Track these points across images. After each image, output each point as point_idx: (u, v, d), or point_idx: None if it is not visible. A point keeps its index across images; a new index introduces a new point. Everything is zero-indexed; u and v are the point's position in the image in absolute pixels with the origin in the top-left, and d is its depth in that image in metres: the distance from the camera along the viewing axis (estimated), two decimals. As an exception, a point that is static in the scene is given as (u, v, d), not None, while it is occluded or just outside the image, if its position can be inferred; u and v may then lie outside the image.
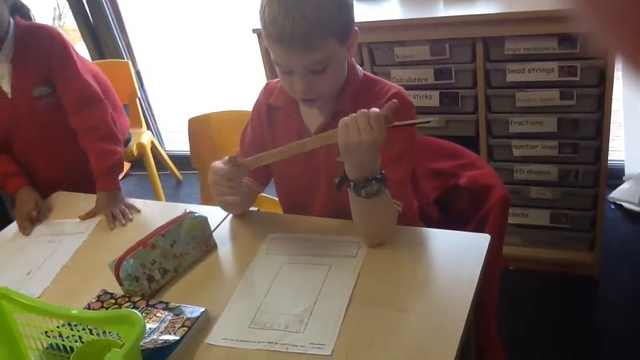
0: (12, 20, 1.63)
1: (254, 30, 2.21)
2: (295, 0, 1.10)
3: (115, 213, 1.54)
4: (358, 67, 1.31)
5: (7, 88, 1.63)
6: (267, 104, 1.36)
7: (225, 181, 1.19)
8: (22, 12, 1.70)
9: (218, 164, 1.22)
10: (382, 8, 2.16)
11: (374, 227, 1.21)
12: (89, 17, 3.24)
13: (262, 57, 2.26)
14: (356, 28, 1.22)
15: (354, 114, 1.07)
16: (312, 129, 1.30)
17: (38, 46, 1.62)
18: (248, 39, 2.29)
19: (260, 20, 1.16)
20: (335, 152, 1.14)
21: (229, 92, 4.52)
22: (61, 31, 1.69)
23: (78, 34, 3.35)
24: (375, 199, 1.13)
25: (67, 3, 3.24)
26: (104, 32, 3.25)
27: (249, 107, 1.87)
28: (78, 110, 1.65)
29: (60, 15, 5.93)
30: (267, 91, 1.39)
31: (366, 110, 1.06)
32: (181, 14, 6.24)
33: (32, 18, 1.74)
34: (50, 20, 5.88)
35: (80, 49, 3.49)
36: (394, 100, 1.09)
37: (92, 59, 3.32)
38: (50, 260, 1.44)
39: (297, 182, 1.40)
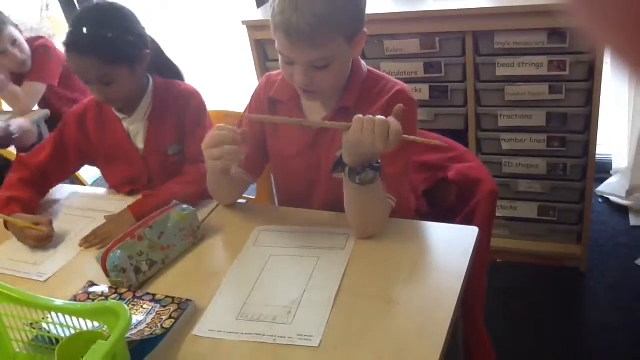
0: (150, 79, 1.56)
1: (244, 22, 2.20)
2: None
3: (102, 236, 1.40)
4: (363, 62, 1.30)
5: (140, 145, 1.57)
6: (268, 97, 1.35)
7: (222, 132, 1.16)
8: (168, 71, 1.62)
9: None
10: (373, 1, 2.15)
11: (366, 218, 1.21)
12: (76, 8, 3.20)
13: (252, 49, 2.25)
14: (365, 29, 1.20)
15: (372, 117, 1.05)
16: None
17: (175, 104, 1.55)
18: (238, 31, 2.28)
19: (270, 6, 1.15)
20: (336, 147, 1.14)
21: (219, 88, 4.50)
22: (198, 90, 1.60)
23: (65, 24, 3.31)
24: (369, 188, 1.13)
25: (54, -7, 3.19)
26: (92, 23, 3.22)
27: (235, 108, 1.86)
28: (193, 162, 1.53)
29: (47, 5, 5.87)
30: (268, 84, 1.37)
31: (384, 118, 1.04)
32: (171, 5, 6.20)
33: (181, 76, 1.65)
34: (37, 10, 5.81)
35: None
36: (402, 106, 1.08)
37: (80, 50, 3.29)
38: (76, 235, 1.44)
39: (296, 177, 1.39)
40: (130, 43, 1.43)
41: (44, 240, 1.41)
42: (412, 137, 1.10)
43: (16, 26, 2.45)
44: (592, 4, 0.30)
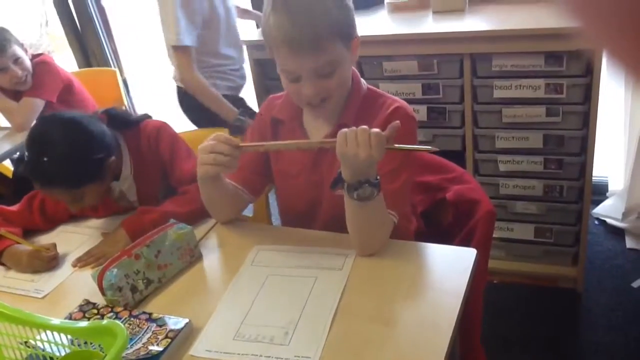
0: (121, 144, 1.51)
1: (244, 42, 2.21)
2: (301, 8, 1.11)
3: (97, 255, 1.40)
4: (362, 80, 1.32)
5: (133, 198, 1.58)
6: (271, 117, 1.36)
7: (213, 139, 1.18)
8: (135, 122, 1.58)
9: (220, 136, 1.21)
10: (372, 23, 2.18)
11: (366, 234, 1.21)
12: (76, 25, 3.23)
13: (252, 68, 2.26)
14: (357, 33, 1.23)
15: (355, 128, 1.08)
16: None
17: (149, 149, 1.55)
18: (237, 50, 2.30)
19: (264, 30, 1.18)
20: (338, 166, 1.15)
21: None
22: (164, 122, 1.60)
23: (65, 41, 3.33)
24: (368, 204, 1.13)
25: (55, 10, 3.22)
26: (91, 40, 3.24)
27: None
28: (179, 185, 1.55)
29: (47, 22, 5.90)
30: (270, 105, 1.39)
31: (367, 128, 1.07)
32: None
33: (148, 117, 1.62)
34: (37, 27, 5.85)
35: (67, 56, 3.47)
36: (397, 122, 1.10)
37: (79, 67, 3.31)
38: (76, 252, 1.44)
39: (299, 195, 1.39)
40: (94, 162, 1.38)
41: (53, 262, 1.40)
42: (400, 145, 1.10)
43: (21, 45, 2.47)
44: (590, 7, 0.30)
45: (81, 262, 1.39)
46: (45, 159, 1.31)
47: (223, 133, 1.21)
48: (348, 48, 1.20)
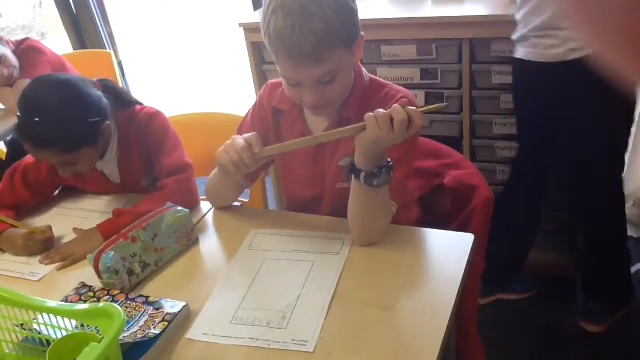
0: (112, 124, 1.46)
1: (241, 25, 2.19)
2: (301, 13, 1.06)
3: (64, 254, 1.34)
4: (364, 71, 1.30)
5: (117, 180, 1.56)
6: (272, 107, 1.34)
7: (239, 151, 1.16)
8: (128, 104, 1.51)
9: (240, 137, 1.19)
10: (371, 6, 2.16)
11: (370, 222, 1.20)
12: (71, 6, 3.19)
13: (248, 51, 2.24)
14: (362, 33, 1.19)
15: (384, 113, 1.04)
16: (316, 133, 1.29)
17: (137, 135, 1.50)
18: (234, 33, 2.28)
19: (264, 33, 1.13)
20: (338, 158, 1.13)
21: (214, 90, 4.48)
22: (160, 111, 1.55)
23: (59, 22, 3.30)
24: (378, 192, 1.13)
25: (49, -9, 3.18)
26: (86, 22, 3.21)
27: (230, 109, 1.85)
28: (167, 176, 1.49)
29: (40, 3, 5.83)
30: (270, 93, 1.36)
31: (403, 114, 1.03)
32: (167, 5, 6.19)
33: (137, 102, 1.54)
34: (30, 8, 5.78)
35: (61, 38, 3.44)
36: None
37: (74, 49, 3.27)
38: (72, 234, 1.41)
39: (302, 188, 1.39)
40: (89, 125, 1.35)
41: (48, 244, 1.39)
42: (424, 108, 1.08)
43: (1, 39, 2.42)
44: (590, 16, 0.30)
45: (48, 259, 1.34)
46: (37, 120, 1.27)
47: (243, 137, 1.17)
48: (351, 51, 1.17)
